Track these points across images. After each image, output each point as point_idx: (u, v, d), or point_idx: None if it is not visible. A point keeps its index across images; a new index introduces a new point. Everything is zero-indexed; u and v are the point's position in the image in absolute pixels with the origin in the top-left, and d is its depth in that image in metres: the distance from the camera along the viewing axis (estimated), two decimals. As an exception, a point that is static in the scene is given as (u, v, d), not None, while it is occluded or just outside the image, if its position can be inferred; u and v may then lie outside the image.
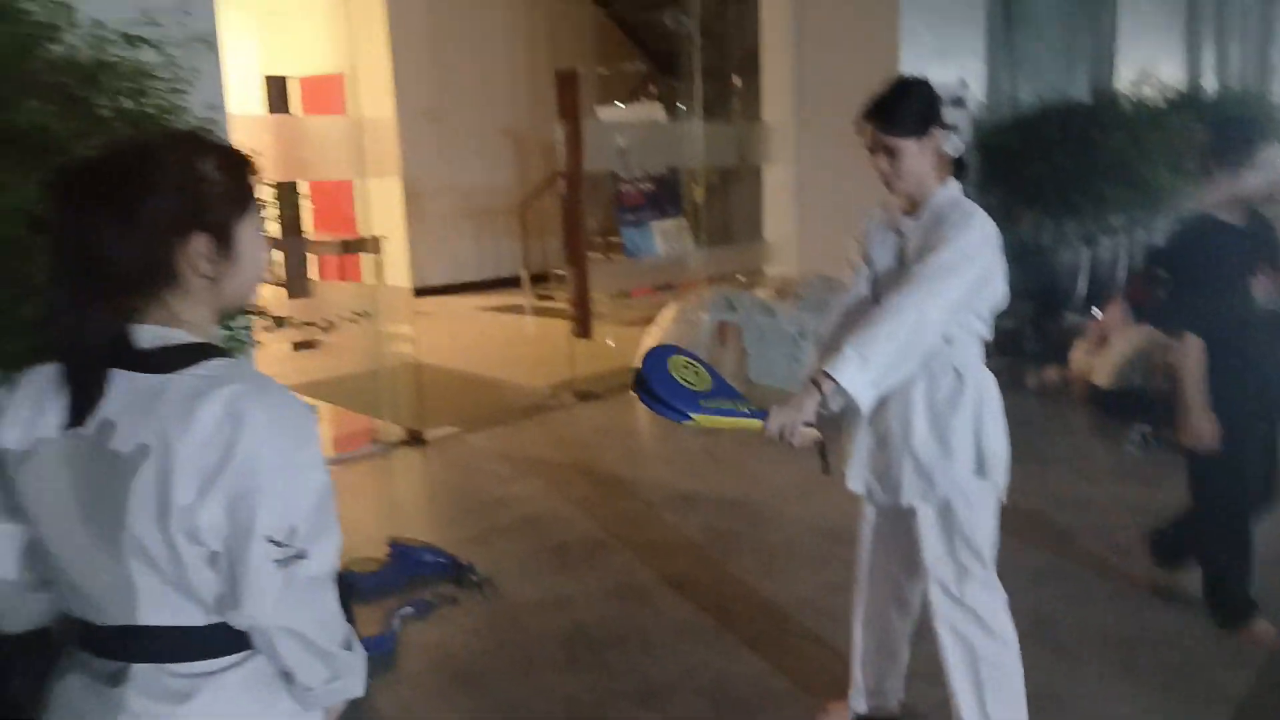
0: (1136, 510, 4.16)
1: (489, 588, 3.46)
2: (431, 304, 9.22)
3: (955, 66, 7.56)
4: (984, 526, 2.27)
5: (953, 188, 2.24)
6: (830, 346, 2.18)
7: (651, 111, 10.43)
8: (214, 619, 1.21)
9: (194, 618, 1.20)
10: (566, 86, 5.85)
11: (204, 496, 1.14)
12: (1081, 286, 8.21)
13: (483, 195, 10.94)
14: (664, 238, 9.83)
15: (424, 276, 9.60)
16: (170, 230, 1.18)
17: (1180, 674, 2.86)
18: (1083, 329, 6.37)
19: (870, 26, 7.06)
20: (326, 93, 8.75)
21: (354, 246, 8.15)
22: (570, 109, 5.80)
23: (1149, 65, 10.21)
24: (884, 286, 2.25)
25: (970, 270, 2.10)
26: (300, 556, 1.18)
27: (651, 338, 6.18)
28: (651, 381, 1.96)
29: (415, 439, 5.29)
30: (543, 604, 3.38)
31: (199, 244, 1.19)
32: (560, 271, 10.14)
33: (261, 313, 2.66)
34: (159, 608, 1.20)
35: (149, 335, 1.21)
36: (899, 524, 2.40)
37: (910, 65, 7.06)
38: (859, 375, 1.99)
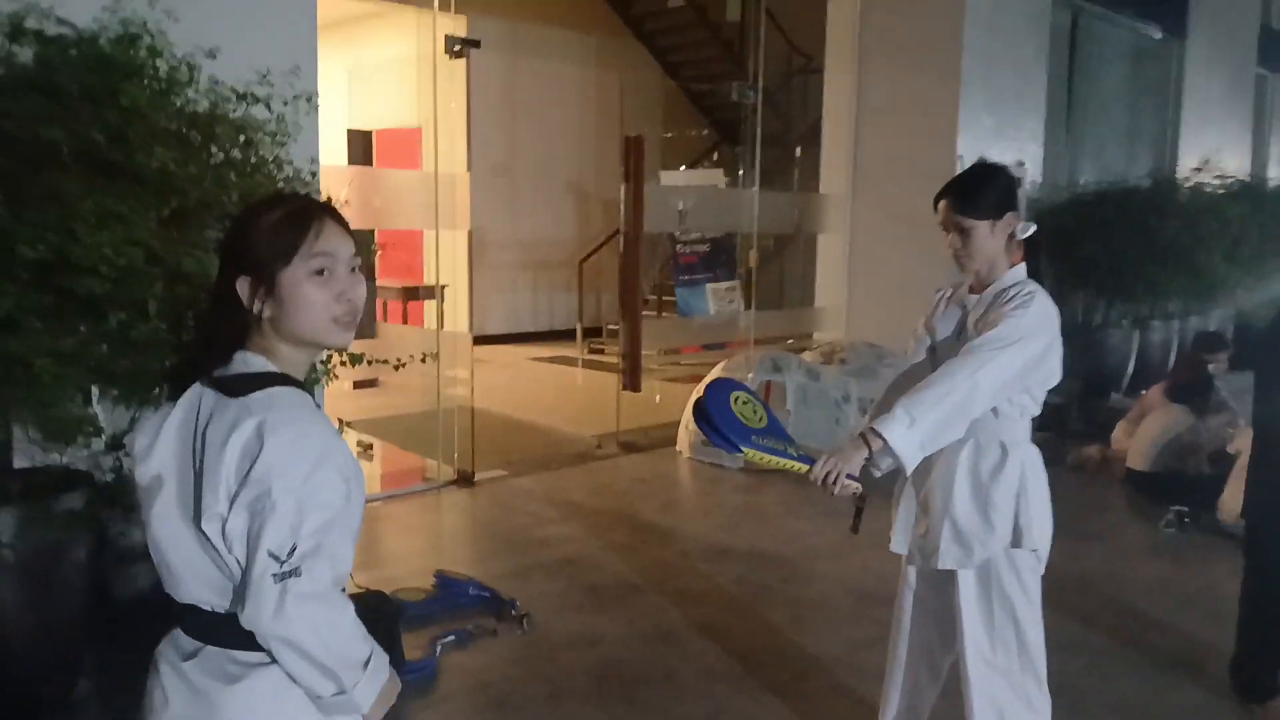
0: (1168, 588, 4.22)
1: (527, 622, 3.61)
2: (488, 352, 9.48)
3: (1014, 148, 7.72)
4: (1023, 596, 2.33)
5: (1021, 270, 2.35)
6: (882, 406, 2.29)
7: (713, 177, 10.72)
8: None
9: None
10: (632, 150, 6.10)
11: (232, 507, 1.33)
12: (1129, 368, 8.22)
13: (543, 249, 11.27)
14: (716, 299, 10.05)
15: (482, 325, 9.91)
16: (231, 272, 1.40)
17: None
18: (1127, 410, 6.41)
19: (931, 105, 7.26)
20: (403, 146, 9.15)
21: (418, 293, 8.50)
22: (636, 171, 6.05)
23: (1212, 152, 10.27)
24: (941, 356, 2.34)
25: (1026, 348, 2.19)
26: (294, 574, 1.31)
27: (697, 394, 6.34)
28: (711, 411, 2.10)
29: (465, 479, 5.49)
30: (576, 640, 3.52)
31: (243, 285, 1.40)
32: (613, 326, 10.40)
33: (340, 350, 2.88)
34: (220, 595, 1.39)
35: (238, 361, 1.42)
36: (938, 590, 2.49)
37: (968, 145, 7.24)
38: (907, 435, 2.08)
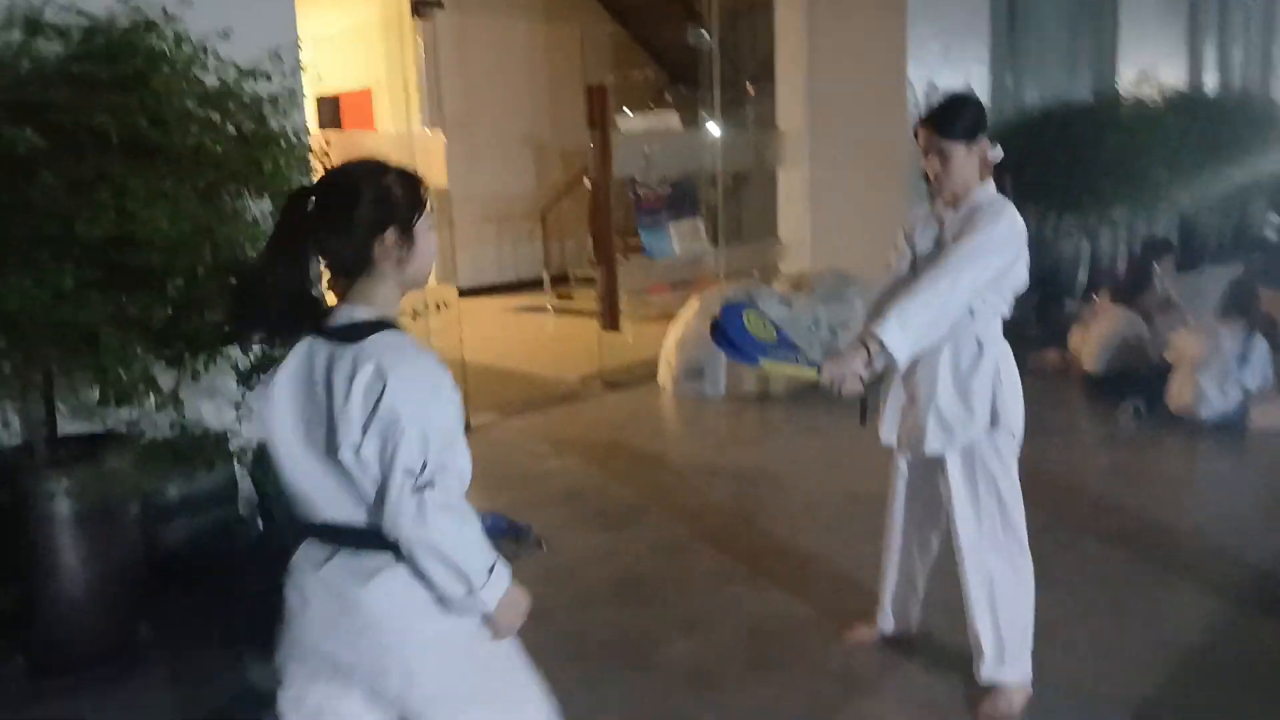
0: (1124, 473, 4.60)
1: (545, 544, 3.90)
2: (461, 304, 9.66)
3: (961, 71, 7.97)
4: (1003, 471, 2.64)
5: (990, 188, 2.62)
6: (875, 313, 2.55)
7: (668, 119, 10.89)
8: None
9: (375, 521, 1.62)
10: (596, 99, 6.28)
11: (365, 435, 1.56)
12: (1081, 276, 8.60)
13: (503, 202, 11.40)
14: (680, 238, 10.27)
15: (449, 279, 10.07)
16: (371, 229, 1.63)
17: (1153, 604, 3.27)
18: (1081, 315, 6.77)
19: (879, 36, 7.47)
20: (357, 107, 9.24)
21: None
22: (601, 120, 6.24)
23: (1150, 66, 10.59)
24: (923, 266, 2.61)
25: (998, 255, 2.47)
26: (429, 486, 1.54)
27: (676, 330, 6.62)
28: (727, 329, 2.36)
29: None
30: (592, 557, 3.81)
31: (390, 238, 1.63)
32: (580, 273, 10.61)
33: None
34: (353, 510, 1.64)
35: (344, 314, 1.66)
36: (926, 475, 2.80)
37: (917, 72, 7.49)
38: (900, 336, 2.36)
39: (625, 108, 11.58)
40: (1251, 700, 2.71)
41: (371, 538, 1.62)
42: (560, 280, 10.48)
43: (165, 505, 3.59)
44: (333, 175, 1.69)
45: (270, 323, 1.68)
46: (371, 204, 1.62)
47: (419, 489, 1.55)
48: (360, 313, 1.65)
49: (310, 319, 1.66)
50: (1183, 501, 4.28)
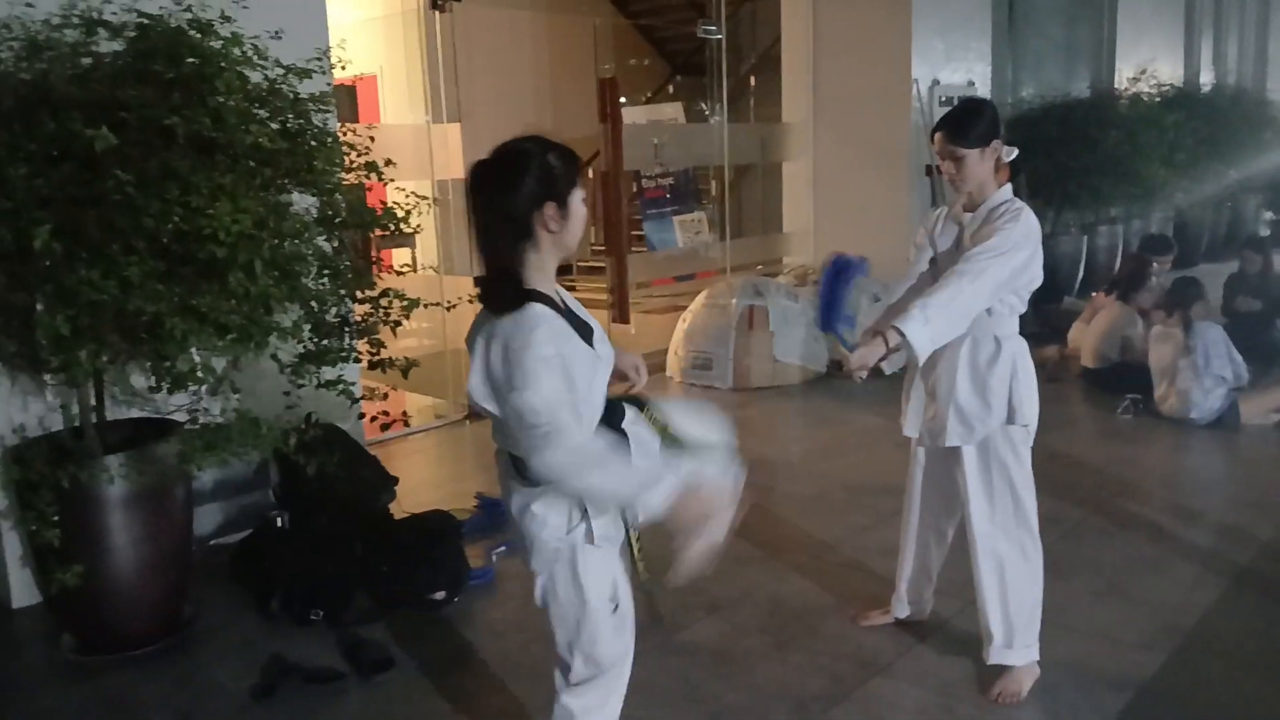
0: (1126, 464, 4.76)
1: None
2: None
3: (963, 69, 8.11)
4: (1017, 463, 2.77)
5: (1007, 190, 2.74)
6: (897, 308, 2.68)
7: (673, 111, 10.99)
8: None
9: None
10: (608, 92, 6.39)
11: (497, 395, 1.85)
12: (1079, 273, 8.75)
13: (508, 191, 11.47)
14: (683, 230, 10.39)
15: (451, 270, 10.15)
16: (533, 200, 1.82)
17: (1153, 589, 3.43)
18: (1079, 312, 6.92)
19: (884, 32, 7.60)
20: (362, 95, 9.27)
21: (390, 241, 8.71)
22: (613, 112, 6.35)
23: (1147, 62, 10.73)
24: (943, 265, 2.74)
25: (1015, 256, 2.58)
26: (551, 431, 1.80)
27: (684, 322, 6.75)
28: (834, 291, 2.66)
29: (475, 414, 5.86)
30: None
31: (550, 209, 1.83)
32: (585, 263, 10.72)
33: (401, 295, 3.22)
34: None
35: (507, 282, 1.87)
36: (943, 465, 2.93)
37: (921, 69, 7.62)
38: (921, 330, 2.47)
39: (623, 98, 11.70)
40: (1246, 679, 2.86)
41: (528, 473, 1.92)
42: (564, 270, 10.56)
43: (199, 491, 3.73)
44: (503, 151, 1.88)
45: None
46: (535, 178, 1.83)
47: (543, 436, 1.80)
48: (524, 280, 1.87)
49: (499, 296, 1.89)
50: (1178, 492, 4.44)
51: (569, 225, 1.88)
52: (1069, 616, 3.22)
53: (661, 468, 1.98)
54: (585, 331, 1.97)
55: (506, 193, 1.83)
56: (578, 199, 1.88)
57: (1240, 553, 3.72)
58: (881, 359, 2.53)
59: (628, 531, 2.04)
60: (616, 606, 2.07)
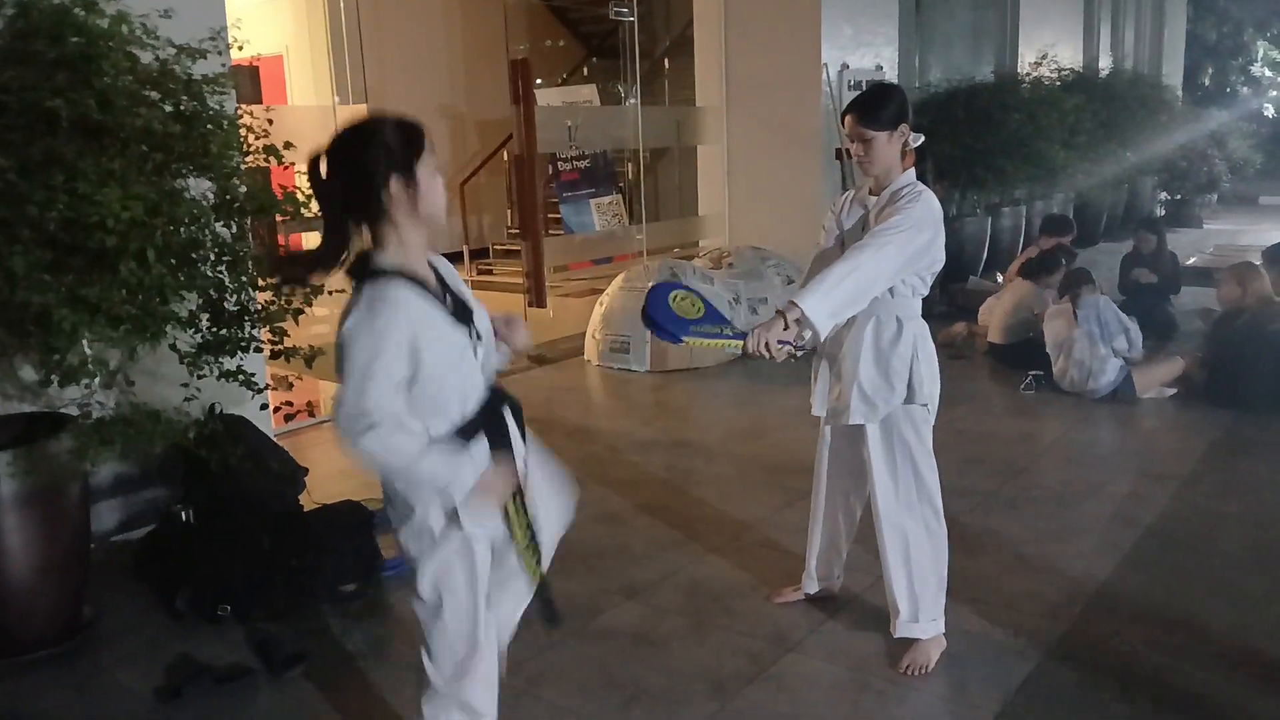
0: (1029, 440, 4.90)
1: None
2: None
3: (871, 53, 8.22)
4: (919, 441, 2.83)
5: (911, 175, 2.78)
6: (803, 285, 2.69)
7: (586, 93, 10.93)
8: None
9: None
10: (520, 73, 6.32)
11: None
12: (984, 253, 8.97)
13: (418, 174, 11.27)
14: (600, 213, 10.37)
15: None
16: (376, 179, 1.81)
17: (1056, 559, 3.54)
18: (985, 290, 7.11)
19: (794, 18, 7.66)
20: (269, 75, 9.02)
21: (297, 226, 8.50)
22: (525, 94, 6.28)
23: (1048, 47, 11.03)
24: (849, 246, 2.75)
25: (917, 236, 2.63)
26: (372, 424, 1.81)
27: (601, 305, 6.74)
28: (651, 310, 2.50)
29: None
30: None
31: (395, 184, 1.82)
32: (501, 246, 10.62)
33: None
34: None
35: (370, 259, 1.87)
36: (850, 444, 2.98)
37: (831, 54, 7.70)
38: (820, 305, 2.50)
39: (537, 80, 11.60)
40: (1144, 644, 2.98)
41: None
42: (479, 254, 10.46)
43: (95, 487, 3.60)
44: (338, 136, 1.86)
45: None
46: (375, 155, 1.81)
47: (363, 425, 1.79)
48: (379, 258, 1.86)
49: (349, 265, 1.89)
50: (1079, 464, 4.59)
51: (420, 197, 1.86)
52: (977, 588, 3.30)
53: (455, 468, 1.93)
54: (463, 311, 1.96)
55: (349, 175, 1.83)
56: (426, 169, 1.87)
57: (1138, 521, 3.86)
58: (791, 342, 2.53)
59: (513, 519, 2.03)
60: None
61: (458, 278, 2.05)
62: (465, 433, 1.94)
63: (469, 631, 2.05)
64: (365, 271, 1.84)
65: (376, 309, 1.80)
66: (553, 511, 2.27)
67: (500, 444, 2.00)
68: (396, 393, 1.82)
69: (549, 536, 2.25)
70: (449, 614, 2.02)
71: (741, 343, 2.53)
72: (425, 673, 2.10)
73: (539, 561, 2.16)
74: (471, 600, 2.02)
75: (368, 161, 1.81)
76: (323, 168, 1.86)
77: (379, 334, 1.79)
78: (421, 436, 1.87)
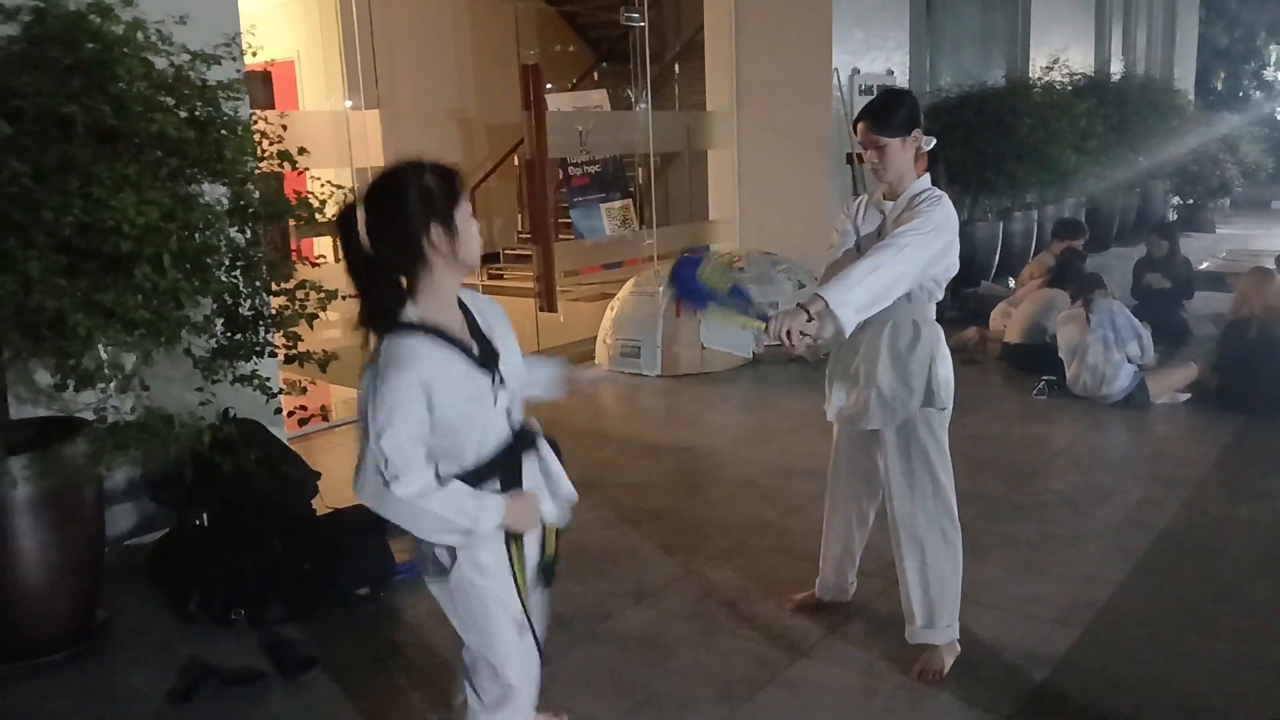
0: (1040, 445, 4.89)
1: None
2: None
3: (882, 58, 8.21)
4: (935, 446, 2.82)
5: (926, 180, 2.78)
6: (821, 283, 2.66)
7: (597, 98, 10.95)
8: None
9: None
10: (530, 78, 6.33)
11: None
12: (995, 258, 8.95)
13: (428, 179, 11.30)
14: (610, 218, 10.38)
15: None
16: (419, 230, 1.79)
17: (1068, 564, 3.53)
18: (997, 295, 7.09)
19: (804, 22, 7.65)
20: (280, 80, 9.06)
21: (309, 231, 8.54)
22: (536, 99, 6.30)
23: (1060, 51, 11.00)
24: (866, 248, 2.74)
25: (936, 239, 2.61)
26: (394, 478, 1.83)
27: (612, 310, 6.74)
28: (679, 275, 2.48)
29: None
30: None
31: (436, 232, 1.80)
32: (511, 250, 10.63)
33: (318, 287, 3.16)
34: None
35: (403, 312, 1.85)
36: (864, 449, 2.97)
37: (842, 58, 7.69)
38: (845, 299, 2.46)
39: (549, 85, 11.62)
40: (1155, 651, 2.97)
41: None
42: (490, 258, 10.48)
43: (110, 491, 3.62)
44: (377, 185, 1.84)
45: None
46: (416, 206, 1.78)
47: (385, 479, 1.80)
48: (409, 312, 1.85)
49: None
50: (1091, 470, 4.58)
51: (459, 244, 1.83)
52: (987, 594, 3.30)
53: (479, 516, 1.91)
54: (488, 355, 1.94)
55: (389, 225, 1.79)
56: (464, 215, 1.84)
57: (1149, 526, 3.85)
58: (810, 336, 2.46)
59: (513, 557, 2.01)
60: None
61: (496, 315, 2.03)
62: (479, 475, 1.93)
63: (516, 662, 2.08)
64: (384, 326, 1.83)
65: (393, 362, 1.79)
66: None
67: (512, 486, 1.99)
68: (418, 444, 1.82)
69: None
70: (491, 648, 2.05)
71: (764, 325, 2.46)
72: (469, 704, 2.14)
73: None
74: (512, 629, 2.05)
75: (410, 211, 1.78)
76: (359, 219, 1.81)
77: (396, 388, 1.78)
78: (442, 483, 1.88)
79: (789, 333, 2.44)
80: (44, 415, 3.31)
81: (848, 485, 3.09)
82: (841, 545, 3.17)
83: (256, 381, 3.06)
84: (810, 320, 2.46)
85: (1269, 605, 3.23)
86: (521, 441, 2.02)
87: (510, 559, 1.99)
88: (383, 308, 1.84)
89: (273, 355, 3.28)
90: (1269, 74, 19.44)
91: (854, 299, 2.47)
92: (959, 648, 2.92)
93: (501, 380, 1.95)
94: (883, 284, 2.52)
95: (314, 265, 3.50)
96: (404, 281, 1.85)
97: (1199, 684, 2.78)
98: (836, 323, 2.48)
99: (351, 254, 1.81)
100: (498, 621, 2.02)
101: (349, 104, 6.77)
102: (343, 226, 1.82)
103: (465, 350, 1.89)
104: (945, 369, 2.80)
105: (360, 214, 1.80)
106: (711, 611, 3.29)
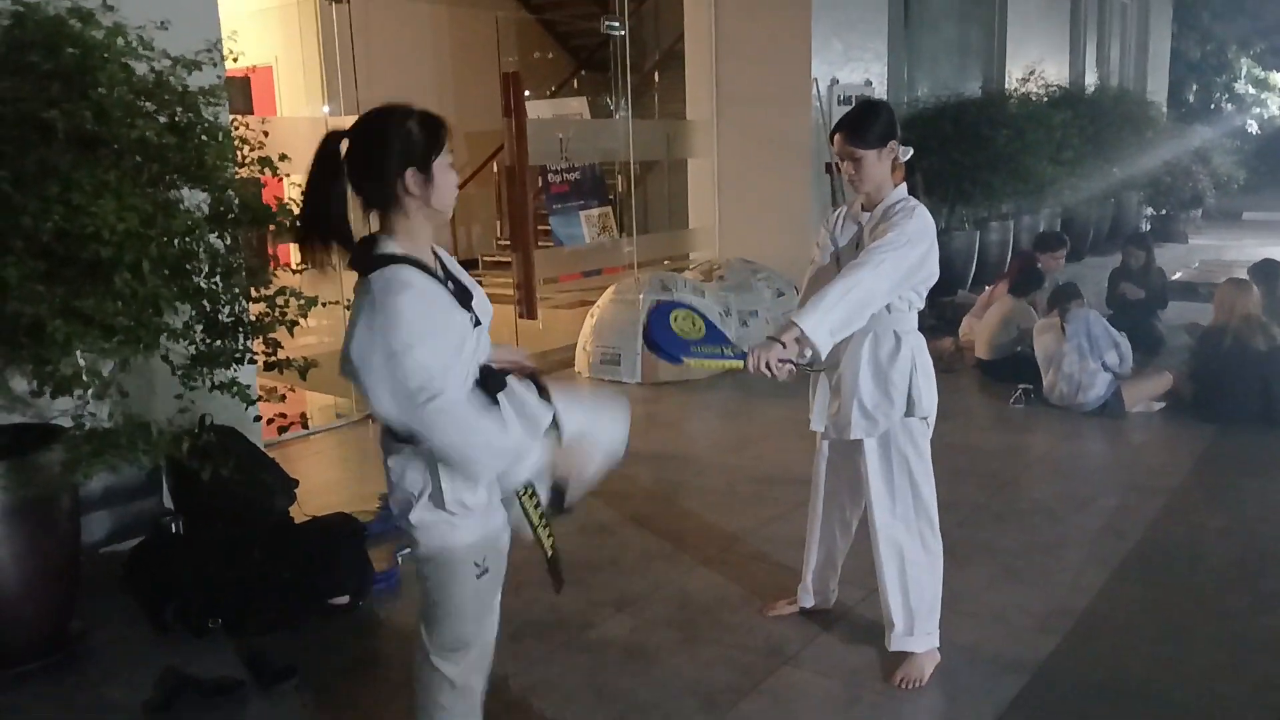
0: (1018, 453, 4.93)
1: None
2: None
3: (860, 69, 8.27)
4: (917, 455, 2.84)
5: (902, 190, 2.80)
6: (801, 303, 2.70)
7: (577, 106, 10.96)
8: None
9: None
10: (511, 86, 6.34)
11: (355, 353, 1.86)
12: (972, 268, 9.02)
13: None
14: (589, 225, 10.38)
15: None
16: (394, 169, 1.83)
17: (1046, 572, 3.56)
18: (973, 304, 7.14)
19: (784, 32, 7.70)
20: (258, 86, 9.01)
21: (288, 237, 8.49)
22: (516, 106, 6.30)
23: (1035, 63, 11.12)
24: (844, 261, 2.78)
25: (912, 252, 2.64)
26: (429, 390, 1.82)
27: (592, 317, 6.74)
28: (652, 332, 2.52)
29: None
30: (522, 541, 3.91)
31: (411, 175, 1.84)
32: (490, 257, 10.62)
33: (298, 293, 3.14)
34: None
35: (377, 245, 1.88)
36: (847, 458, 2.99)
37: (821, 69, 7.75)
38: (819, 323, 2.49)
39: (529, 92, 11.62)
40: (1134, 658, 2.99)
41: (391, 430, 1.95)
42: (469, 265, 10.45)
43: (85, 498, 3.57)
44: (364, 122, 1.88)
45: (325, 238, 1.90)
46: (396, 147, 1.83)
47: (422, 399, 1.80)
48: (387, 245, 1.87)
49: (347, 247, 1.88)
50: (1068, 478, 4.62)
51: (434, 191, 1.88)
52: (967, 601, 3.31)
53: (530, 439, 1.97)
54: (464, 295, 1.97)
55: (367, 159, 1.84)
56: (443, 165, 1.89)
57: (1126, 534, 3.89)
58: (793, 360, 2.52)
59: (524, 504, 2.05)
60: (483, 573, 2.07)
61: (456, 265, 2.07)
62: None
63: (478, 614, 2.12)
64: (371, 261, 1.85)
65: (393, 290, 1.80)
66: (601, 441, 2.25)
67: None
68: (454, 352, 1.84)
69: (594, 468, 2.21)
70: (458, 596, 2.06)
71: (742, 364, 2.53)
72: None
73: (551, 536, 2.21)
74: (472, 579, 2.07)
75: (388, 151, 1.83)
76: (343, 146, 1.86)
77: (408, 305, 1.80)
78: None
79: (768, 365, 2.48)
80: (19, 422, 3.27)
81: (830, 494, 3.10)
82: (824, 552, 3.19)
83: (236, 388, 3.04)
84: (786, 348, 2.50)
85: (1245, 612, 3.26)
86: (490, 383, 2.00)
87: (523, 508, 2.05)
88: (337, 230, 1.86)
89: (252, 362, 3.26)
90: (1240, 87, 19.70)
91: (828, 323, 2.50)
92: (939, 655, 2.93)
93: (477, 320, 1.98)
94: (857, 303, 2.55)
95: (294, 272, 3.46)
96: (379, 219, 1.90)
97: (1177, 691, 2.81)
98: (812, 347, 2.52)
99: (320, 176, 1.85)
100: (461, 565, 2.04)
101: (327, 110, 6.75)
102: (322, 150, 1.86)
103: (446, 288, 1.93)
104: (926, 378, 2.81)
105: (344, 143, 1.86)
106: (693, 620, 3.29)
